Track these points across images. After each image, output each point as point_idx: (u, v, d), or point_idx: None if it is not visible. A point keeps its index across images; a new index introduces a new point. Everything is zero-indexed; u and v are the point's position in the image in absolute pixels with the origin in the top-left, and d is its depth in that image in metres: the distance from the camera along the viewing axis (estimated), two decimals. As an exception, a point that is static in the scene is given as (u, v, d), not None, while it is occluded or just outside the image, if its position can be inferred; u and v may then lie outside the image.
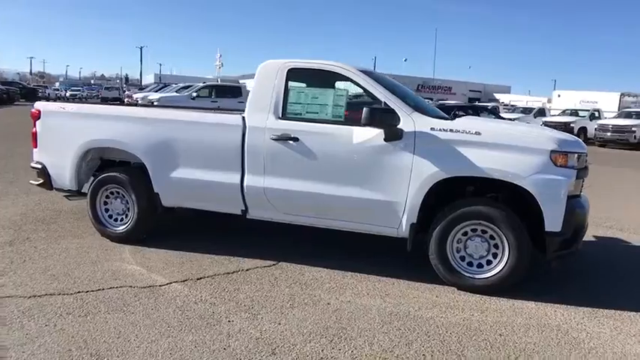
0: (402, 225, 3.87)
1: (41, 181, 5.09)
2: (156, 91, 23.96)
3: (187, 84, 21.45)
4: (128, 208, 4.76)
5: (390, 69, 71.01)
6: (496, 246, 3.73)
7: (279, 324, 3.19)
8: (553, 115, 24.54)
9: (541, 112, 25.46)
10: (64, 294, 3.56)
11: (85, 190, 5.00)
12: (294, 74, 4.26)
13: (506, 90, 63.08)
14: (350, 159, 3.94)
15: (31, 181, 5.27)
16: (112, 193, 4.82)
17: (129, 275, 3.96)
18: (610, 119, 21.95)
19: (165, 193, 4.55)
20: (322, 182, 4.03)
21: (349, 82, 4.21)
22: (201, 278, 3.96)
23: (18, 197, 6.45)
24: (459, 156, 3.67)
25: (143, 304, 3.43)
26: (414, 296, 3.71)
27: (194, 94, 17.16)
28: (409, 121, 3.82)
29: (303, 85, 4.30)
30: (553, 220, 3.53)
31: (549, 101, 42.79)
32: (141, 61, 72.09)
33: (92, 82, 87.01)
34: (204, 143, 4.36)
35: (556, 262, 3.75)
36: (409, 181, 3.77)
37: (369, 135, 3.87)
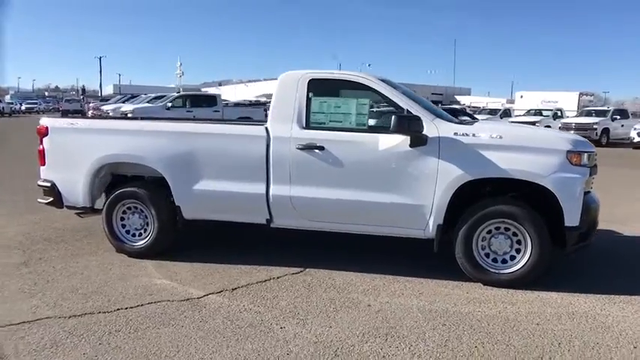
0: (429, 226, 4.06)
1: (50, 199, 4.98)
2: (123, 102, 23.44)
3: (159, 94, 21.08)
4: (147, 223, 4.74)
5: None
6: (519, 242, 3.96)
7: (330, 327, 3.30)
8: (517, 116, 25.62)
9: (506, 112, 26.53)
10: (103, 312, 3.54)
11: (97, 206, 4.96)
12: (314, 85, 4.38)
13: (467, 92, 65.24)
14: (377, 165, 4.09)
15: (39, 200, 5.14)
16: (129, 208, 4.79)
17: (162, 290, 3.96)
18: (572, 118, 23.20)
19: (187, 206, 4.57)
20: (350, 189, 4.17)
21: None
22: (236, 288, 4.00)
23: (12, 217, 6.26)
24: (482, 159, 3.89)
25: (189, 316, 3.46)
26: (445, 294, 3.90)
27: (169, 104, 16.94)
28: (432, 127, 4.01)
29: (324, 95, 4.42)
30: (572, 216, 3.80)
31: (509, 102, 44.54)
32: (100, 71, 69.91)
33: (46, 94, 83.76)
34: (228, 155, 4.41)
35: (573, 254, 4.02)
36: (435, 184, 3.96)
37: (395, 142, 4.05)
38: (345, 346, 3.03)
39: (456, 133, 3.99)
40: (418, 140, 3.96)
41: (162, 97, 19.10)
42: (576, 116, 23.78)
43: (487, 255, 4.04)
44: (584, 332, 3.24)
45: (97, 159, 4.69)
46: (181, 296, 3.82)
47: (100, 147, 4.68)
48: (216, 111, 17.39)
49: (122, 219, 4.82)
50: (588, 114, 22.23)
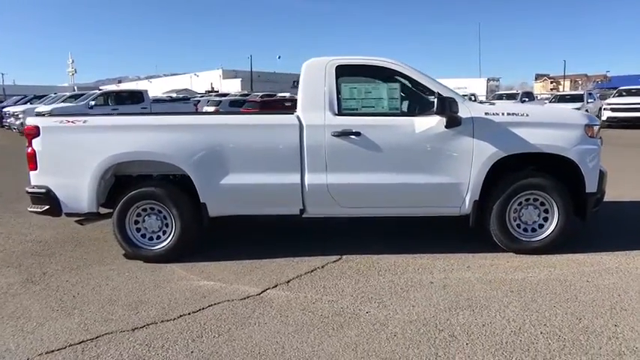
0: (466, 203, 4.26)
1: (46, 207, 4.44)
2: (23, 104, 21.09)
3: (76, 92, 19.25)
4: (166, 224, 4.42)
5: (265, 66, 71.29)
6: (546, 211, 4.31)
7: (413, 306, 3.36)
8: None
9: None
10: (166, 320, 3.27)
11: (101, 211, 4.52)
12: (341, 71, 4.36)
13: (374, 83, 67.83)
14: (414, 148, 4.20)
15: (30, 209, 4.56)
16: (144, 210, 4.43)
17: (212, 291, 3.74)
18: (485, 102, 25.13)
19: (215, 203, 4.33)
20: (388, 173, 4.23)
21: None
22: (289, 281, 3.90)
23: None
24: (513, 136, 4.16)
25: (264, 313, 3.32)
26: (489, 264, 4.14)
27: (92, 103, 15.55)
28: (464, 108, 4.20)
29: (351, 81, 4.42)
30: (591, 183, 4.22)
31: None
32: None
33: None
34: (258, 146, 4.25)
35: (588, 220, 4.45)
36: (471, 162, 4.17)
37: (431, 124, 4.18)
38: (441, 321, 3.12)
39: (487, 113, 4.22)
40: (454, 121, 4.12)
41: (80, 95, 17.47)
42: (489, 100, 25.87)
43: (518, 225, 4.34)
44: (629, 284, 3.64)
45: (106, 159, 4.27)
46: (238, 295, 3.65)
47: (110, 145, 4.26)
48: (144, 108, 16.35)
49: (136, 222, 4.44)
50: (500, 98, 24.29)
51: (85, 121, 4.37)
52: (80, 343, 3.00)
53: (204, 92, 43.62)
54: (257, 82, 53.86)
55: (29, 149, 4.41)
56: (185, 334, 3.06)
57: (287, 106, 17.57)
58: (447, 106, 4.01)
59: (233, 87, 52.66)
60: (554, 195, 4.23)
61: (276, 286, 3.81)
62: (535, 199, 4.30)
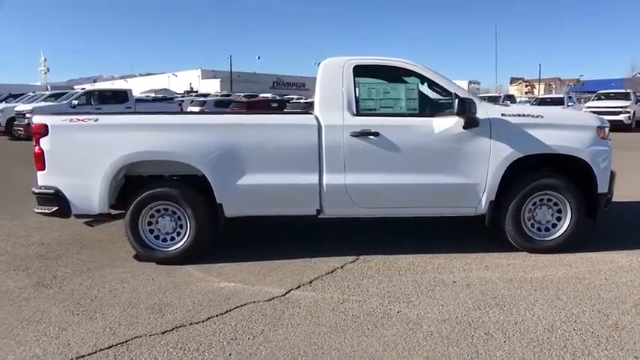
0: (482, 203, 4.31)
1: (55, 208, 4.31)
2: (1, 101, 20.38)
3: (56, 91, 18.67)
4: (180, 226, 4.34)
5: (244, 67, 70.80)
6: (559, 211, 4.40)
7: (442, 305, 3.38)
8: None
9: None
10: (195, 323, 3.21)
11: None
12: (358, 71, 4.37)
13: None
14: (432, 148, 4.23)
15: (37, 210, 4.41)
16: (157, 211, 4.34)
17: (235, 292, 3.69)
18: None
19: (231, 203, 4.27)
20: (406, 173, 4.25)
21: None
22: (311, 282, 3.88)
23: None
24: (529, 137, 4.24)
25: (295, 314, 3.29)
26: (507, 264, 4.20)
27: (74, 102, 15.14)
28: (481, 109, 4.25)
29: (369, 81, 4.43)
30: (603, 184, 4.33)
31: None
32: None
33: None
34: (276, 146, 4.22)
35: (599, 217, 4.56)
36: (488, 163, 4.22)
37: (449, 124, 4.22)
38: (474, 320, 3.15)
39: (503, 114, 4.28)
40: (472, 122, 4.17)
41: (61, 94, 16.96)
42: None
43: (532, 225, 4.42)
44: (645, 281, 3.75)
45: (119, 158, 4.16)
46: (263, 296, 3.61)
47: (124, 145, 4.16)
48: (128, 107, 16.02)
49: (149, 223, 4.35)
50: (482, 100, 24.66)
51: (96, 120, 4.26)
52: (110, 347, 2.92)
53: (183, 92, 43.04)
54: (236, 83, 53.43)
55: (36, 148, 4.28)
56: (218, 337, 3.01)
57: (274, 107, 17.53)
58: (467, 107, 4.06)
59: (212, 87, 52.07)
60: (567, 195, 4.32)
61: (299, 287, 3.78)
62: (549, 200, 4.39)
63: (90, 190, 4.23)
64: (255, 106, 16.50)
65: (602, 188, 4.34)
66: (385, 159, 4.23)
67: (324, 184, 4.25)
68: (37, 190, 4.35)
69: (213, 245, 4.53)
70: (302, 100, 19.93)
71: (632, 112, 18.03)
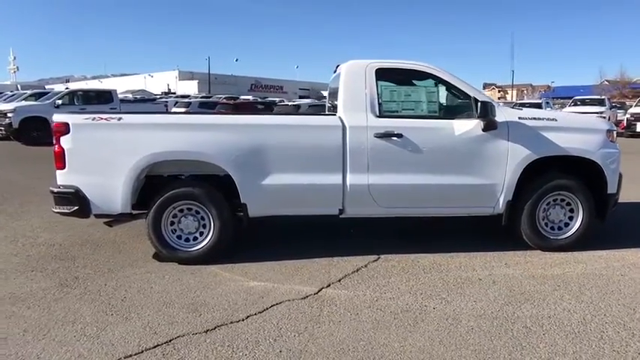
0: (499, 203, 4.45)
1: (75, 207, 4.24)
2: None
3: (36, 91, 18.15)
4: (204, 225, 4.33)
5: (222, 69, 70.24)
6: (571, 210, 4.58)
7: (475, 302, 3.49)
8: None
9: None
10: (235, 322, 3.22)
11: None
12: (380, 74, 4.45)
13: (332, 88, 68.43)
14: (453, 150, 4.35)
15: (55, 210, 4.33)
16: (180, 210, 4.32)
17: (267, 291, 3.71)
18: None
19: (255, 203, 4.29)
20: (428, 174, 4.35)
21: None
22: (340, 280, 3.93)
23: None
24: (545, 139, 4.40)
25: (333, 312, 3.34)
26: (525, 262, 4.34)
27: (58, 102, 14.74)
28: (500, 112, 4.40)
29: (390, 84, 4.52)
30: (612, 184, 4.54)
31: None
32: None
33: None
34: (300, 146, 4.26)
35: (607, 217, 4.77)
36: (506, 164, 4.37)
37: (469, 127, 4.35)
38: (508, 315, 3.26)
39: (520, 117, 4.44)
40: (492, 124, 4.31)
41: (43, 94, 16.47)
42: None
43: (546, 224, 4.58)
44: (658, 277, 3.94)
45: (144, 158, 4.13)
46: (296, 295, 3.64)
47: (149, 144, 4.13)
48: (112, 108, 15.70)
49: (172, 223, 4.32)
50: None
51: (120, 119, 4.21)
52: (156, 347, 2.90)
53: (161, 94, 42.41)
54: (214, 85, 53.03)
55: (56, 147, 4.20)
56: (263, 334, 3.03)
57: (260, 109, 17.52)
58: (489, 111, 4.20)
59: (190, 89, 51.53)
60: (579, 195, 4.51)
61: (329, 285, 3.83)
62: (562, 200, 4.57)
63: (112, 189, 4.17)
64: (242, 108, 16.42)
65: (611, 189, 4.55)
66: (407, 160, 4.32)
67: (348, 184, 4.31)
68: (55, 190, 4.27)
69: (234, 245, 4.53)
70: (290, 103, 19.96)
71: (607, 117, 18.74)
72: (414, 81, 4.63)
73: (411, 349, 2.84)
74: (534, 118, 4.47)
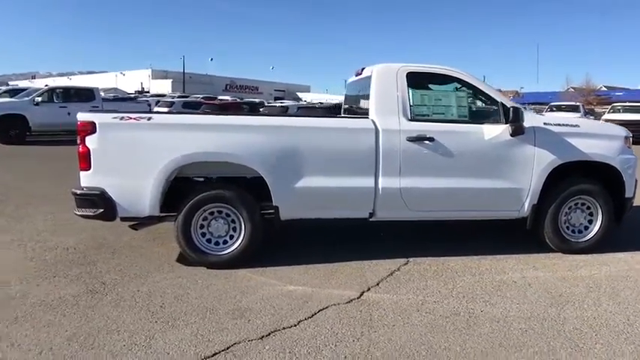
0: (525, 207, 4.55)
1: (99, 210, 4.09)
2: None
3: (11, 87, 17.34)
4: (234, 228, 4.25)
5: (197, 68, 69.07)
6: (591, 214, 4.72)
7: (518, 304, 3.55)
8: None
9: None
10: (289, 327, 3.17)
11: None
12: (410, 77, 4.48)
13: (307, 89, 68.50)
14: (483, 154, 4.41)
15: (77, 213, 4.16)
16: (210, 213, 4.22)
17: (308, 295, 3.67)
18: None
19: (288, 206, 4.24)
20: (458, 177, 4.40)
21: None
22: (378, 283, 3.93)
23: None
24: (569, 145, 4.52)
25: (382, 316, 3.33)
26: (551, 264, 4.44)
27: (37, 99, 14.16)
28: (527, 117, 4.49)
29: (419, 87, 4.55)
30: (630, 189, 4.71)
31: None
32: None
33: None
34: (334, 149, 4.24)
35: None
36: (533, 168, 4.47)
37: (498, 131, 4.42)
38: (554, 316, 3.33)
39: (545, 123, 4.55)
40: (519, 130, 4.39)
41: (19, 90, 15.80)
42: None
43: (567, 227, 4.71)
44: (680, 278, 4.11)
45: (175, 159, 4.02)
46: (339, 299, 3.61)
47: (182, 145, 4.02)
48: (94, 106, 15.21)
49: (201, 226, 4.22)
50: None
51: (149, 119, 4.09)
52: (215, 355, 2.83)
53: (134, 92, 41.44)
54: (189, 84, 52.17)
55: (81, 147, 4.04)
56: (321, 340, 2.99)
57: (246, 110, 17.34)
58: (519, 116, 4.28)
59: (163, 88, 50.53)
60: (599, 199, 4.65)
61: (369, 289, 3.82)
62: (582, 204, 4.70)
63: (140, 191, 4.05)
64: (228, 108, 16.22)
65: (629, 193, 4.71)
66: (438, 163, 4.36)
67: (380, 187, 4.32)
68: (79, 192, 4.10)
69: (259, 248, 4.47)
70: (278, 104, 19.82)
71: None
72: (442, 85, 4.67)
73: (474, 352, 2.86)
74: (558, 124, 4.59)
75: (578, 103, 22.36)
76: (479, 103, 4.70)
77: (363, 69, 4.99)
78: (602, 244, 4.74)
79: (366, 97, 4.86)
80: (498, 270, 4.27)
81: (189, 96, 30.49)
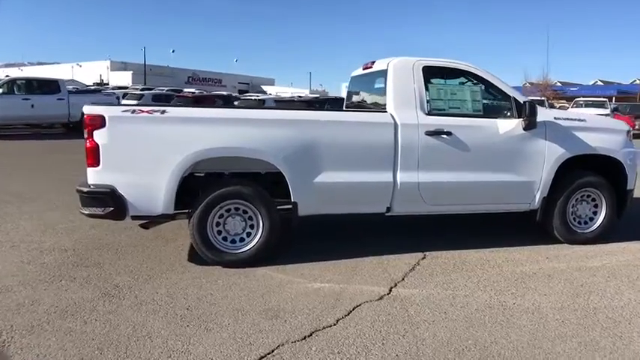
0: (536, 199, 4.63)
1: (109, 209, 3.86)
2: None
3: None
4: (251, 226, 4.11)
5: (157, 60, 67.01)
6: (596, 205, 4.86)
7: (545, 295, 3.60)
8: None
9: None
10: (327, 327, 3.09)
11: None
12: (426, 72, 4.46)
13: (271, 82, 67.79)
14: (498, 148, 4.45)
15: (84, 212, 3.91)
16: (227, 210, 4.07)
17: (337, 293, 3.59)
18: None
19: (306, 201, 4.14)
20: (474, 171, 4.43)
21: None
22: (403, 279, 3.90)
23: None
24: (577, 138, 4.63)
25: (419, 312, 3.29)
26: (563, 255, 4.55)
27: (-1, 91, 13.37)
28: (539, 112, 4.56)
29: (434, 82, 4.53)
30: (631, 181, 4.87)
31: (313, 92, 47.78)
32: None
33: None
34: (352, 143, 4.16)
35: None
36: (544, 162, 4.55)
37: (511, 126, 4.47)
38: (584, 306, 3.40)
39: (555, 118, 4.64)
40: (532, 124, 4.46)
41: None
42: None
43: (574, 219, 4.83)
44: (686, 266, 4.29)
45: (192, 155, 3.84)
46: (370, 296, 3.55)
47: (199, 139, 3.85)
48: (60, 99, 14.50)
49: (217, 224, 4.06)
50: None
51: (163, 112, 3.88)
52: (261, 358, 2.71)
53: (93, 84, 39.80)
54: (150, 76, 50.56)
55: (89, 142, 3.80)
56: (367, 338, 2.93)
57: (219, 103, 16.94)
58: (534, 111, 4.34)
59: (123, 80, 48.77)
60: (604, 192, 4.79)
61: (396, 285, 3.78)
62: (588, 196, 4.83)
63: (154, 189, 3.85)
64: (201, 101, 15.81)
65: (630, 185, 4.88)
66: (456, 158, 4.37)
67: (398, 182, 4.28)
68: (86, 189, 3.85)
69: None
70: (254, 97, 19.47)
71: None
72: (457, 80, 4.67)
73: (520, 345, 2.87)
74: (567, 119, 4.69)
75: (543, 98, 23.00)
76: (491, 98, 4.72)
77: (373, 62, 4.93)
78: (603, 235, 4.90)
79: (378, 91, 4.81)
80: (515, 262, 4.33)
81: (153, 88, 29.52)
